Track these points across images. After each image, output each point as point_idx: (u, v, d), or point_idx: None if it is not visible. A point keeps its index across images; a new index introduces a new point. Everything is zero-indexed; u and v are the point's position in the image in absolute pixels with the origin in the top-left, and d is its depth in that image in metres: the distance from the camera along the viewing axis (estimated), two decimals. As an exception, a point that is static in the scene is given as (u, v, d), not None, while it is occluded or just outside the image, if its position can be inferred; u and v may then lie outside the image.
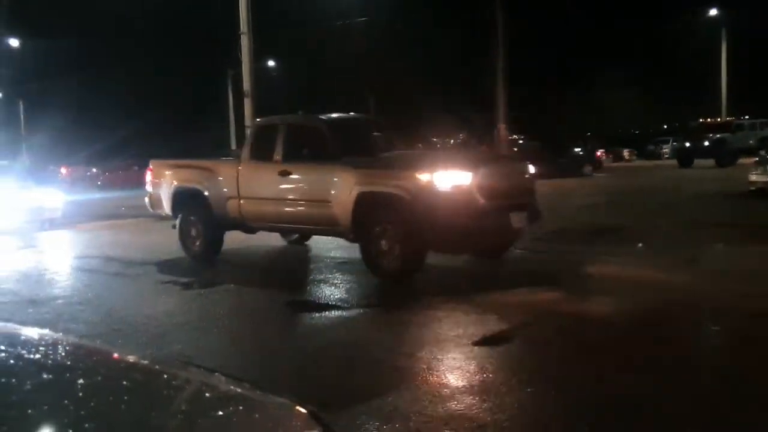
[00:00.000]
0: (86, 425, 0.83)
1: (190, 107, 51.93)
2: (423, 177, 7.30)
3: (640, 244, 9.70)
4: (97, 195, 27.91)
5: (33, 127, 59.07)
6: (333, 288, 7.58)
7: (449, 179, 7.30)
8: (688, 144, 33.12)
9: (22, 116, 59.28)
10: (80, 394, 0.93)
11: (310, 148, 8.28)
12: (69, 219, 16.06)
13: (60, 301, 7.36)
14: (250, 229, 9.40)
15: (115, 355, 1.20)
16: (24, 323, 1.42)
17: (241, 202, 9.00)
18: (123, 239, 13.20)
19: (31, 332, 1.32)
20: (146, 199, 10.40)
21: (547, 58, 38.35)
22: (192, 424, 0.90)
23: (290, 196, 8.55)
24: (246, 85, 23.32)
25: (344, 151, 8.05)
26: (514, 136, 39.79)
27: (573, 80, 40.18)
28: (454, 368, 4.66)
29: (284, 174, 8.48)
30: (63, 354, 1.19)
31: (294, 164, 8.44)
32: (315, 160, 8.23)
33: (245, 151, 9.31)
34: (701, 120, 35.90)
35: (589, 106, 41.41)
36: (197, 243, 9.58)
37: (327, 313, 6.41)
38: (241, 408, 0.97)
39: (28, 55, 45.29)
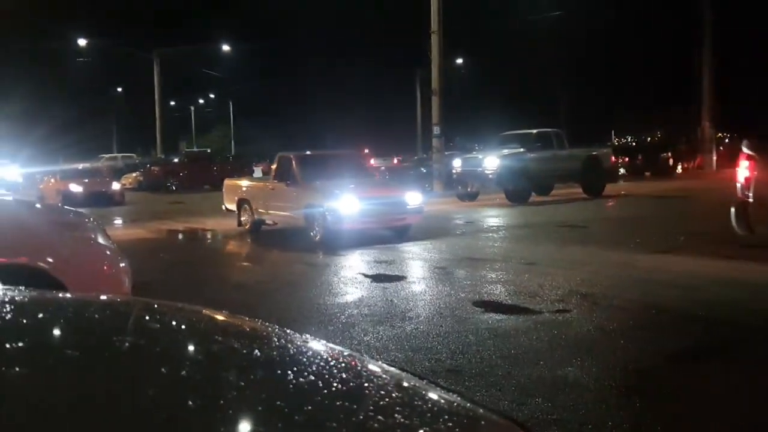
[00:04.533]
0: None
1: (380, 107, 53.49)
2: None
3: None
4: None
5: (239, 125, 64.22)
6: (520, 291, 7.37)
7: None
8: None
9: (231, 115, 64.59)
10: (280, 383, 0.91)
11: None
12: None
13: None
14: None
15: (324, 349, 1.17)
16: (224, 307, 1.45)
17: None
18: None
19: (241, 322, 1.34)
20: (732, 212, 7.34)
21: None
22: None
23: None
24: (434, 83, 23.61)
25: None
26: (720, 135, 36.81)
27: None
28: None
29: None
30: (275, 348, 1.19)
31: None
32: None
33: None
34: None
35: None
36: None
37: (516, 316, 6.24)
38: (451, 425, 0.89)
39: (237, 59, 49.06)
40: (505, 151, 19.56)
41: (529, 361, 4.78)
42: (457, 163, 20.84)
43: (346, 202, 11.11)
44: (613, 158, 22.87)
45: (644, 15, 43.16)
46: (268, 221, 13.29)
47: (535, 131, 20.89)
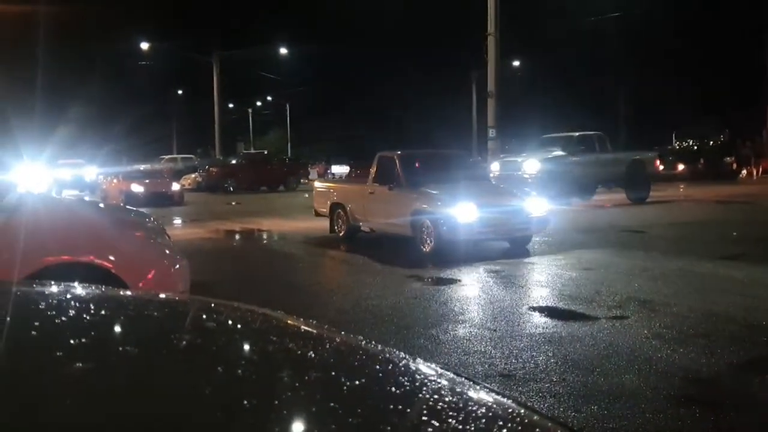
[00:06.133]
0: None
1: (436, 109, 53.32)
2: None
3: None
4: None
5: (295, 127, 65.17)
6: (576, 296, 7.24)
7: None
8: None
9: (288, 117, 65.44)
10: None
11: None
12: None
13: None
14: None
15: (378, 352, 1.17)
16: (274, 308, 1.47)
17: None
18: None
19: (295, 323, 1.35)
20: None
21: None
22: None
23: None
24: (490, 85, 23.39)
25: None
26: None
27: None
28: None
29: None
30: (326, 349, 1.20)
31: None
32: None
33: None
34: None
35: None
36: None
37: (572, 322, 6.14)
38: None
39: (295, 62, 49.73)
40: (547, 155, 19.11)
41: (585, 368, 4.69)
42: (495, 167, 20.26)
43: (463, 210, 9.79)
44: (657, 162, 22.22)
45: (708, 13, 41.97)
46: (364, 228, 12.20)
47: (577, 134, 20.39)
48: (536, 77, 47.17)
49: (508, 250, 10.45)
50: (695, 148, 36.78)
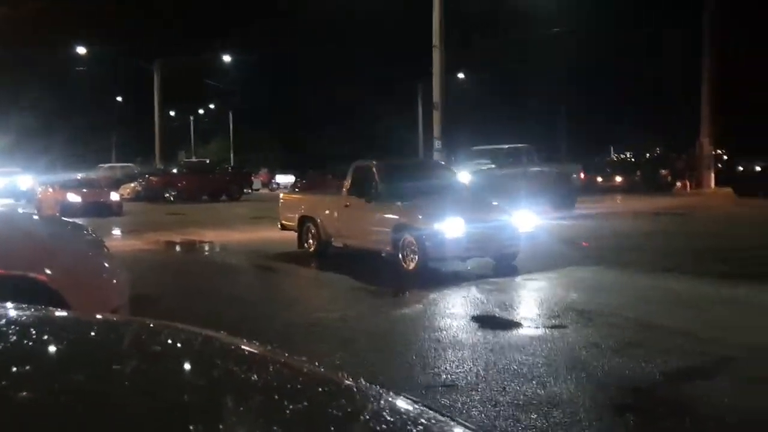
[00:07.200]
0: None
1: (381, 120, 53.54)
2: None
3: None
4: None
5: (238, 136, 64.62)
6: (516, 306, 7.38)
7: None
8: None
9: (230, 125, 64.76)
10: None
11: None
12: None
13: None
14: None
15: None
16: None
17: None
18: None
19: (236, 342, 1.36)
20: None
21: None
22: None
23: None
24: (435, 97, 23.63)
25: None
26: (719, 152, 36.72)
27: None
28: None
29: None
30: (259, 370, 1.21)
31: None
32: None
33: None
34: None
35: None
36: None
37: (511, 331, 6.26)
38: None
39: (238, 70, 49.37)
40: (476, 167, 19.41)
41: (525, 377, 4.79)
42: None
43: (450, 225, 9.19)
44: (582, 175, 22.91)
45: (648, 25, 43.21)
46: (336, 244, 11.24)
47: (506, 146, 20.96)
48: (484, 89, 47.94)
49: (494, 267, 9.76)
50: (632, 160, 37.92)
